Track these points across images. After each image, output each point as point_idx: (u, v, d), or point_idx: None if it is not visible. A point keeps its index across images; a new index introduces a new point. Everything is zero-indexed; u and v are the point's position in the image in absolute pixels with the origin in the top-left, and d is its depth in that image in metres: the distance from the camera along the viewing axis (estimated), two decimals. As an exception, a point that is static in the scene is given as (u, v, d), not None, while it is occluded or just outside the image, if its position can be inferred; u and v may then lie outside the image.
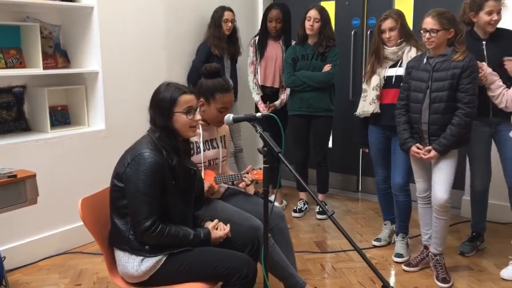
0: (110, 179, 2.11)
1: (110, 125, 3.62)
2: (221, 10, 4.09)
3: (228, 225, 2.27)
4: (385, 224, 3.60)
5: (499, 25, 3.03)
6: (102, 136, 3.59)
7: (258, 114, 2.03)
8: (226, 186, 2.77)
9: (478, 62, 2.88)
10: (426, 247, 3.18)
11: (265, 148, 1.94)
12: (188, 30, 4.23)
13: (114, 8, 3.59)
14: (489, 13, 2.95)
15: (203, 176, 2.54)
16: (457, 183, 3.77)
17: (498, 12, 2.96)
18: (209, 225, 2.21)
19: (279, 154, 1.91)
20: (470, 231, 3.46)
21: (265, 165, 1.96)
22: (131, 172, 2.00)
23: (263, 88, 4.16)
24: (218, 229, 2.21)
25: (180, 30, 4.16)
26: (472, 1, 3.01)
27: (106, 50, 3.56)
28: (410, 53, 3.18)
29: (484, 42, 3.03)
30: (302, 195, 4.26)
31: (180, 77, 4.04)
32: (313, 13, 3.80)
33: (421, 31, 2.81)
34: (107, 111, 3.61)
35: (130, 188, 2.01)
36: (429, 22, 2.77)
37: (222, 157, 2.74)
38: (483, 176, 3.26)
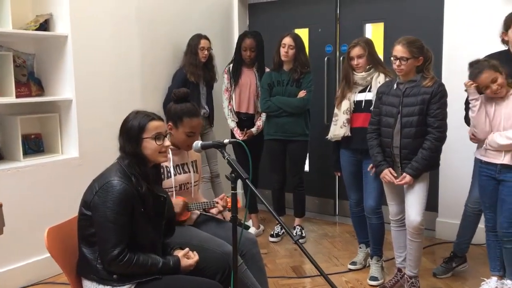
0: (80, 207, 2.10)
1: (84, 152, 3.61)
2: (197, 38, 4.15)
3: (195, 252, 2.25)
4: (360, 248, 3.62)
5: None
6: (76, 164, 3.57)
7: (226, 141, 2.06)
8: (198, 212, 2.77)
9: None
10: (400, 270, 3.20)
11: (233, 175, 1.96)
12: (164, 57, 4.27)
13: (89, 36, 3.62)
14: None
15: (174, 199, 2.54)
16: (431, 205, 3.83)
17: None
18: (179, 253, 2.20)
19: (247, 180, 1.93)
20: (448, 252, 3.49)
21: (233, 192, 1.98)
22: (99, 200, 2.00)
23: (238, 114, 4.22)
24: (189, 257, 2.20)
25: (156, 57, 4.20)
26: (504, 19, 3.03)
27: (80, 78, 3.57)
28: (379, 78, 3.26)
29: None
30: (279, 219, 4.26)
31: (155, 104, 4.06)
32: (287, 40, 3.88)
33: (392, 58, 2.89)
34: (81, 139, 3.60)
35: (98, 217, 2.00)
36: (399, 50, 2.85)
37: (194, 182, 2.75)
38: (478, 199, 3.19)
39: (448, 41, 3.92)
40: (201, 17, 4.62)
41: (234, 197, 1.98)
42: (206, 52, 4.17)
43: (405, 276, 3.13)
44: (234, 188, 1.97)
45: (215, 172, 4.34)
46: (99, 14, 3.69)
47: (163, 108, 4.13)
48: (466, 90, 2.88)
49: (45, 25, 3.51)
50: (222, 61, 4.52)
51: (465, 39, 3.80)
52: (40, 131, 3.68)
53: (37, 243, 3.29)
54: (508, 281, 2.92)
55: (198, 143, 2.11)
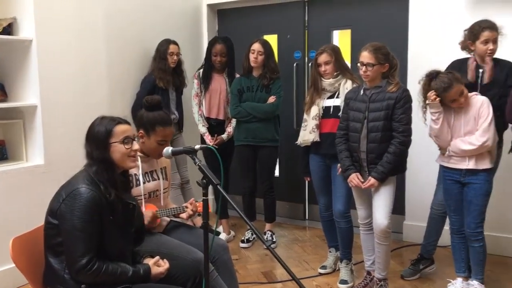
0: (46, 216, 2.05)
1: (50, 160, 3.52)
2: (166, 43, 4.12)
3: (165, 260, 2.23)
4: (330, 252, 3.65)
5: (497, 55, 3.06)
6: (41, 171, 3.48)
7: (197, 147, 2.05)
8: (168, 219, 2.74)
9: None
10: (369, 273, 3.25)
11: (204, 181, 1.95)
12: (132, 62, 4.22)
13: (54, 40, 3.54)
14: (485, 42, 2.99)
15: (143, 210, 2.51)
16: (398, 208, 3.91)
17: (494, 42, 2.99)
18: (149, 261, 2.17)
19: (218, 186, 1.92)
20: (415, 254, 3.56)
21: (204, 198, 1.97)
22: (66, 209, 1.95)
23: (208, 119, 4.20)
24: (159, 265, 2.18)
25: (124, 62, 4.14)
26: (469, 31, 3.09)
27: (45, 83, 3.49)
28: (346, 85, 3.31)
29: (481, 70, 3.06)
30: (250, 225, 4.26)
31: (123, 109, 4.00)
32: (257, 46, 3.91)
33: (358, 64, 2.94)
34: (46, 146, 3.51)
35: (65, 225, 1.95)
36: (365, 56, 2.90)
37: (164, 189, 2.72)
38: (443, 202, 3.27)
39: (413, 48, 4.01)
40: (169, 22, 4.59)
41: (205, 203, 1.97)
42: (175, 57, 4.15)
43: (374, 278, 3.18)
44: (205, 194, 1.96)
45: (185, 178, 4.31)
46: (65, 18, 3.62)
47: (131, 113, 4.08)
48: (425, 104, 2.93)
49: (8, 29, 3.42)
50: (191, 66, 4.50)
51: (429, 46, 3.90)
52: (3, 138, 3.56)
53: (0, 253, 3.19)
54: (474, 282, 3.00)
55: (168, 149, 2.09)
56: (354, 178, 3.01)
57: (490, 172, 2.89)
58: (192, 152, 2.04)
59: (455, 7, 3.80)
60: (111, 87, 4.03)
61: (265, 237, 4.17)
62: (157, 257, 2.20)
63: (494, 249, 3.60)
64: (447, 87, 2.81)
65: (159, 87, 4.07)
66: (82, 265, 1.92)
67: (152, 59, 4.20)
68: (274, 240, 4.16)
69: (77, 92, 3.73)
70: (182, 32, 4.65)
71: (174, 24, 4.63)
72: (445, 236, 3.44)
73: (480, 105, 2.85)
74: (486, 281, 3.07)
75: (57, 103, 3.58)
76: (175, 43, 4.18)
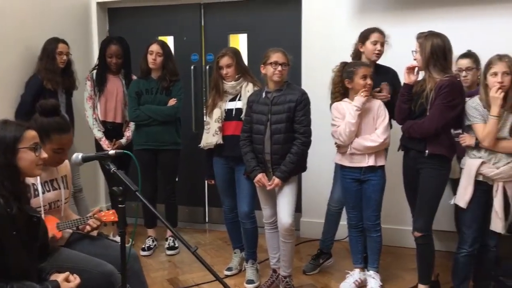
0: None
1: None
2: (54, 42, 3.83)
3: (76, 275, 2.08)
4: (235, 253, 3.69)
5: (381, 62, 3.36)
6: None
7: (111, 152, 1.95)
8: (70, 231, 2.55)
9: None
10: (274, 271, 3.34)
11: (121, 188, 1.86)
12: (14, 62, 3.85)
13: None
14: (374, 43, 3.27)
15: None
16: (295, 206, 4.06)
17: (382, 45, 3.29)
18: (58, 277, 2.00)
19: (137, 193, 1.84)
20: (315, 250, 3.73)
21: (120, 206, 1.87)
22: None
23: (104, 123, 4.00)
24: (69, 281, 2.02)
25: (4, 61, 3.77)
26: (360, 34, 3.33)
27: None
28: (248, 87, 3.37)
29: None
30: (151, 232, 4.15)
31: (5, 114, 3.60)
32: (155, 48, 3.81)
33: (272, 64, 3.01)
34: None
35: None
36: (280, 57, 3.02)
37: (65, 199, 2.53)
38: (339, 199, 3.48)
39: (306, 51, 4.20)
40: (56, 20, 4.28)
41: (122, 211, 1.87)
42: (64, 57, 3.88)
43: (280, 276, 3.27)
44: (122, 202, 1.87)
45: (78, 186, 4.03)
46: None
47: (15, 117, 3.73)
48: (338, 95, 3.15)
49: None
50: (81, 67, 4.24)
51: (321, 49, 4.11)
52: None
53: None
54: (370, 272, 3.24)
55: (78, 155, 1.96)
56: (261, 179, 3.08)
57: (384, 168, 3.15)
58: (105, 158, 1.93)
59: (341, 13, 4.05)
60: (-9, 88, 3.64)
61: (167, 243, 4.09)
62: (67, 273, 2.03)
63: (384, 240, 3.90)
64: (355, 65, 3.09)
65: (47, 89, 3.78)
66: (-19, 288, 1.72)
67: (38, 59, 3.88)
68: (177, 245, 4.08)
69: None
70: (70, 31, 4.35)
71: (61, 22, 4.33)
72: (341, 230, 3.66)
73: (378, 106, 3.10)
74: (380, 270, 3.32)
75: None
76: (64, 42, 3.91)
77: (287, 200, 3.11)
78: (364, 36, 3.33)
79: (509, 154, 2.77)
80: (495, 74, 2.69)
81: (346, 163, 3.15)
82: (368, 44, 3.30)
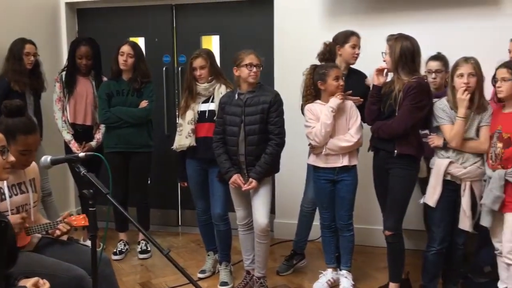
0: None
1: None
2: (21, 42, 3.75)
3: (45, 280, 2.03)
4: (208, 255, 3.67)
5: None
6: None
7: (81, 154, 1.91)
8: (39, 236, 2.50)
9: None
10: (248, 272, 3.35)
11: (91, 191, 1.83)
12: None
13: None
14: (353, 46, 3.32)
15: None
16: (269, 207, 4.07)
17: (359, 48, 3.34)
18: (27, 282, 1.94)
19: (108, 196, 1.81)
20: (288, 250, 3.75)
21: (91, 209, 1.84)
22: None
23: (73, 126, 3.93)
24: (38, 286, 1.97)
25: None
26: (338, 36, 3.36)
27: None
28: (220, 89, 3.37)
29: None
30: (122, 235, 4.09)
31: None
32: (126, 49, 3.76)
33: (247, 66, 3.02)
34: None
35: None
36: (254, 58, 3.04)
37: (33, 203, 2.47)
38: (312, 200, 3.50)
39: (279, 53, 4.22)
40: (24, 20, 4.19)
41: (93, 215, 1.84)
42: (32, 58, 3.80)
43: (254, 277, 3.28)
44: (92, 205, 1.83)
45: (47, 190, 3.94)
46: None
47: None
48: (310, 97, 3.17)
49: None
50: (50, 69, 4.15)
51: (293, 51, 4.13)
52: None
53: None
54: (343, 271, 3.28)
55: (47, 158, 1.92)
56: (237, 179, 3.08)
57: (356, 168, 3.19)
58: (75, 161, 1.89)
59: (313, 14, 4.09)
60: (-45, 90, 3.53)
61: (139, 247, 4.04)
62: (36, 278, 1.98)
63: (356, 240, 3.94)
64: (327, 67, 3.10)
65: (15, 91, 3.69)
66: None
67: (5, 60, 3.79)
68: (149, 249, 4.03)
69: None
70: (37, 31, 4.25)
71: (28, 22, 4.23)
72: (314, 231, 3.69)
73: (350, 107, 3.14)
74: (352, 269, 3.36)
75: None
76: (31, 42, 3.82)
77: (263, 201, 3.12)
78: (342, 40, 3.37)
79: (476, 154, 2.85)
80: (461, 75, 2.77)
81: (321, 164, 3.18)
82: (347, 47, 3.35)
